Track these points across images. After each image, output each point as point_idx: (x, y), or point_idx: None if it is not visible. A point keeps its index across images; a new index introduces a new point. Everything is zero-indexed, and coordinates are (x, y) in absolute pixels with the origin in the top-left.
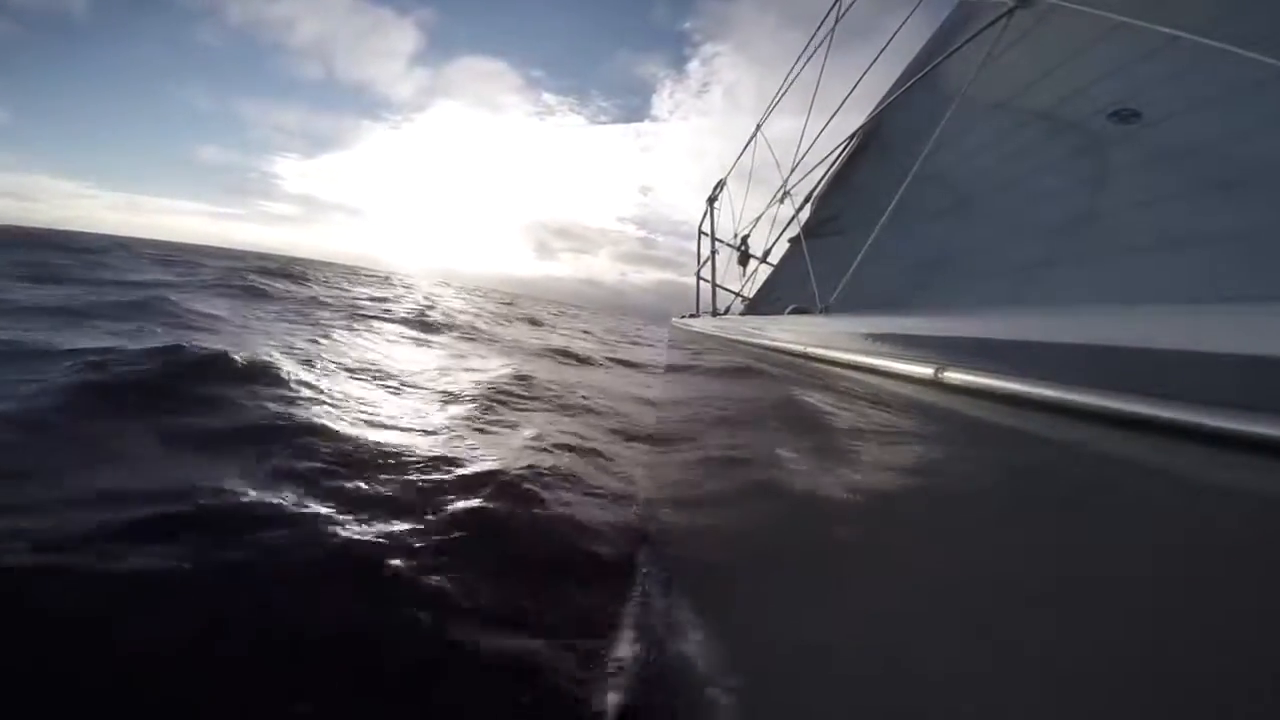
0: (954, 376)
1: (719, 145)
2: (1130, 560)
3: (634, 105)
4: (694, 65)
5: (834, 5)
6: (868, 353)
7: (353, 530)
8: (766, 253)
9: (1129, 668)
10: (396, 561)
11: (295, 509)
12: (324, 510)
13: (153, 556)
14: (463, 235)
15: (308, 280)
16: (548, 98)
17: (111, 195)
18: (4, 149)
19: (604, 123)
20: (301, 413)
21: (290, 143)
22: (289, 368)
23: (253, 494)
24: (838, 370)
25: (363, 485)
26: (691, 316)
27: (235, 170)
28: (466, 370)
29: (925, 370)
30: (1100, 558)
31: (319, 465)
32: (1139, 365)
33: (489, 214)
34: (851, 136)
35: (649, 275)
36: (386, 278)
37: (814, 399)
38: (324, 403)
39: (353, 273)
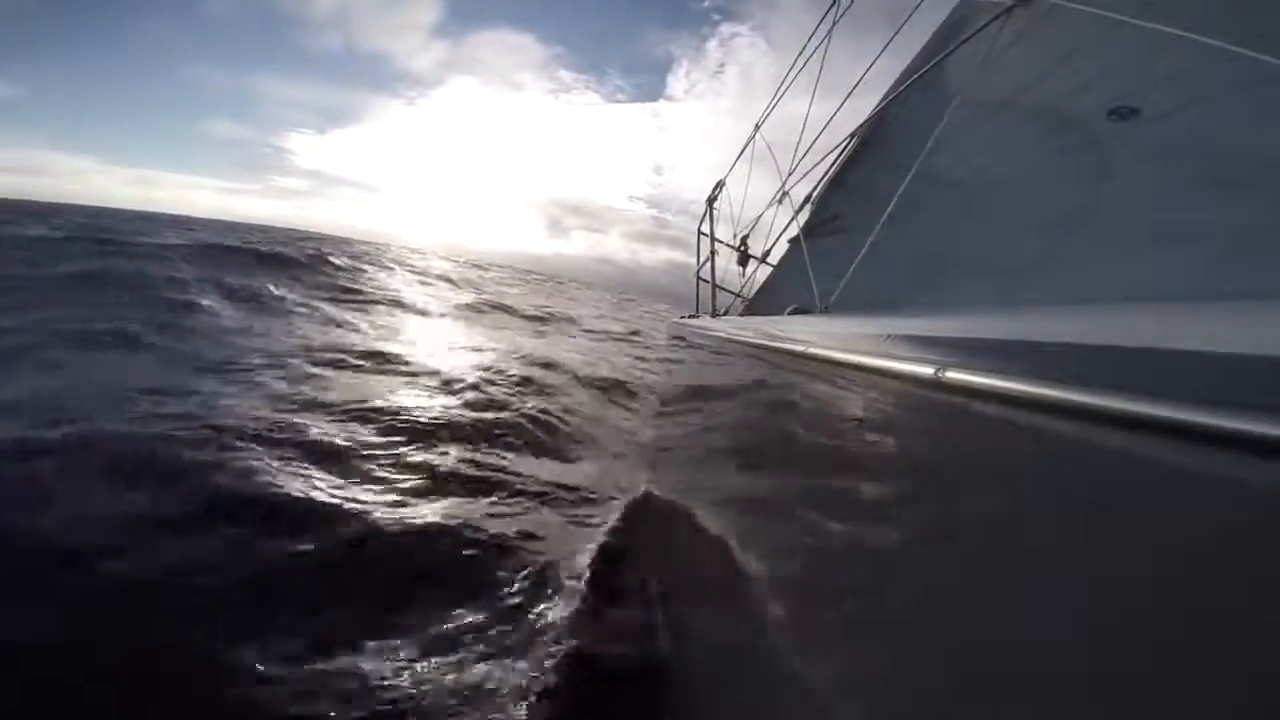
0: (954, 376)
1: (733, 126)
2: (1130, 561)
3: (650, 84)
4: (711, 45)
5: (832, 4)
6: (868, 353)
7: None
8: (766, 253)
9: (1129, 668)
10: None
11: None
12: None
13: None
14: (475, 211)
15: None
16: (564, 75)
17: (124, 171)
18: (14, 126)
19: (620, 101)
20: None
21: (304, 118)
22: None
23: None
24: (838, 370)
25: None
26: (691, 317)
27: (248, 145)
28: None
29: (925, 370)
30: (1100, 558)
31: None
32: (1139, 365)
33: (502, 191)
34: (851, 136)
35: (660, 254)
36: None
37: (814, 399)
38: None
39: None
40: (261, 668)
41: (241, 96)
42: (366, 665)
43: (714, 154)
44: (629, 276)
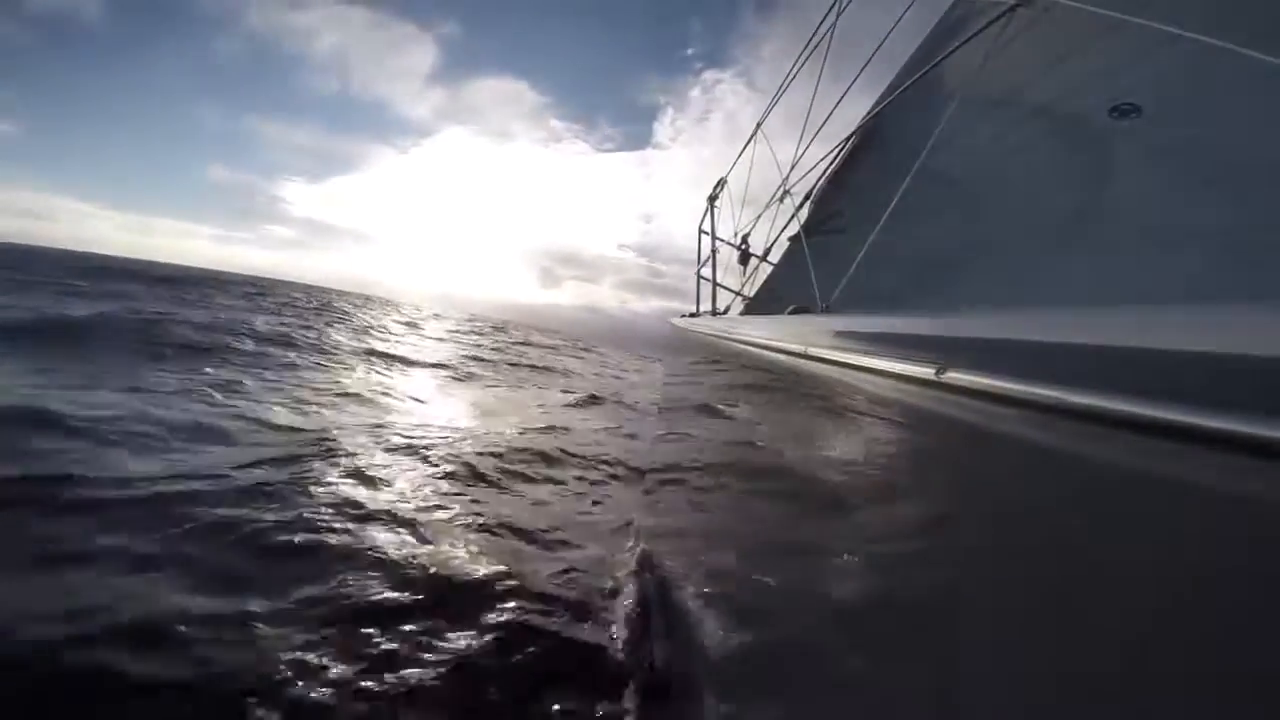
0: (955, 376)
1: (720, 173)
2: (1130, 561)
3: (638, 133)
4: (695, 93)
5: (834, 4)
6: (868, 352)
7: None
8: (767, 251)
9: (1128, 669)
10: None
11: None
12: None
13: None
14: (467, 261)
15: None
16: (555, 124)
17: (123, 216)
18: (17, 165)
19: (609, 150)
20: None
21: (299, 164)
22: None
23: None
24: (838, 370)
25: None
26: (692, 316)
27: (244, 192)
28: None
29: (926, 370)
30: (1100, 559)
31: None
32: (1139, 365)
33: (495, 241)
34: (851, 135)
35: (651, 303)
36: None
37: (814, 398)
38: None
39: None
40: None
41: (238, 140)
42: None
43: (701, 201)
44: (617, 326)
